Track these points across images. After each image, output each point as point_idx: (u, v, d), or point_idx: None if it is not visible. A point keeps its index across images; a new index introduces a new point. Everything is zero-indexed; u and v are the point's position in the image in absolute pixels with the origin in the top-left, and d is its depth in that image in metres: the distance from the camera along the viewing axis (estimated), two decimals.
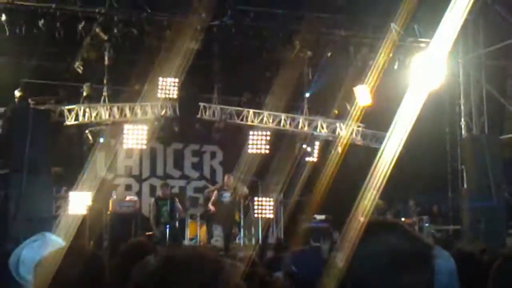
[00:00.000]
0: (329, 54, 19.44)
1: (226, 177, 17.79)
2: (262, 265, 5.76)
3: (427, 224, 17.37)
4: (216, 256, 1.99)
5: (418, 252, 2.14)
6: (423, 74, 18.24)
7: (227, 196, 16.81)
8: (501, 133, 16.81)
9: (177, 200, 17.12)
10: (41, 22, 16.83)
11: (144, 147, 19.21)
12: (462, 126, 18.12)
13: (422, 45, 19.55)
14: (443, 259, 3.37)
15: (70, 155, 19.13)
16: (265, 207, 18.94)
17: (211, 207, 16.74)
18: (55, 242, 3.61)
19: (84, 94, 18.57)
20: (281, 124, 19.37)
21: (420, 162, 19.09)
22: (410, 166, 19.15)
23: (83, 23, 17.28)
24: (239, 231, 17.32)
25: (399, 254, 2.12)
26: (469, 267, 5.07)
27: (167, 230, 16.37)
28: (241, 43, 18.87)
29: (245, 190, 17.31)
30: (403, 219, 16.71)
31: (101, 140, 18.42)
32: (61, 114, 17.74)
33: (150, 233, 16.58)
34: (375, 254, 2.14)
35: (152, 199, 17.61)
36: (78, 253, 3.16)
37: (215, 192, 17.17)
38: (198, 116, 19.14)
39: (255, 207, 18.37)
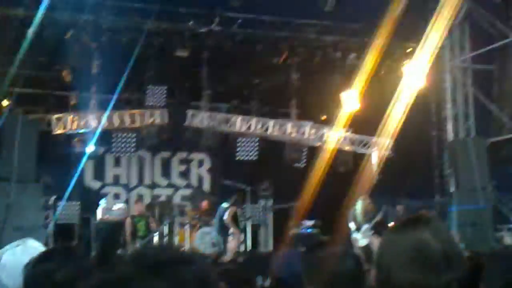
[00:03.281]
0: (317, 60, 19.51)
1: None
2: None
3: None
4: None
5: (447, 252, 2.10)
6: (410, 79, 18.36)
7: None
8: (488, 137, 16.87)
9: (150, 217, 17.02)
10: (29, 31, 16.80)
11: (132, 155, 19.22)
12: (449, 130, 18.20)
13: (409, 50, 19.65)
14: None
15: (58, 164, 19.09)
16: (253, 214, 18.98)
17: None
18: (37, 248, 3.62)
19: (72, 102, 18.55)
20: (269, 130, 19.39)
21: (408, 166, 19.16)
22: (398, 171, 19.24)
23: (71, 31, 17.28)
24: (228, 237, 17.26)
25: (428, 251, 2.08)
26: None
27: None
28: (230, 50, 18.91)
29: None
30: (391, 224, 16.72)
31: (89, 148, 18.36)
32: (50, 123, 17.70)
33: None
34: (402, 249, 2.11)
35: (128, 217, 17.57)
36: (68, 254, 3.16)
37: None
38: (186, 123, 19.13)
39: (244, 214, 18.39)
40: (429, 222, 2.18)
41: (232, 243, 15.79)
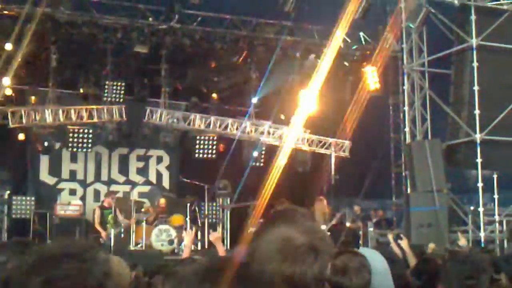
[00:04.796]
0: (276, 59, 19.56)
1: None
2: None
3: (371, 229, 17.57)
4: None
5: (312, 244, 2.15)
6: (368, 81, 18.56)
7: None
8: (444, 140, 17.10)
9: (118, 210, 17.07)
10: None
11: (89, 151, 19.03)
12: (406, 132, 18.41)
13: (367, 52, 19.84)
14: (377, 260, 3.44)
15: (14, 158, 18.84)
16: (211, 212, 18.96)
17: None
18: None
19: (29, 96, 18.30)
20: (228, 129, 19.38)
21: (365, 168, 19.35)
22: (355, 172, 19.42)
23: (28, 25, 17.03)
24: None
25: (291, 244, 2.14)
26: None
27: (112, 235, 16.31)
28: (189, 48, 18.86)
29: None
30: (348, 224, 16.88)
31: (46, 143, 18.13)
32: (5, 116, 17.40)
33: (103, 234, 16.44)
34: (270, 245, 2.16)
35: (96, 207, 17.48)
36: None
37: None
38: (145, 120, 19.01)
39: (202, 212, 18.37)
40: (294, 217, 2.25)
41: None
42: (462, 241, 8.68)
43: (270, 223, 2.27)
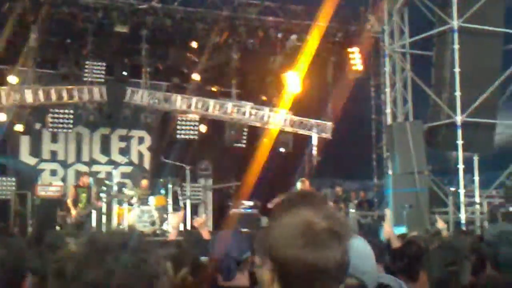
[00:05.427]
0: (258, 40, 19.52)
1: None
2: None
3: (352, 210, 17.66)
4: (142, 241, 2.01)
5: (333, 230, 2.10)
6: (350, 62, 18.56)
7: None
8: (425, 121, 17.17)
9: (92, 191, 17.10)
10: None
11: (70, 131, 18.93)
12: (387, 114, 18.46)
13: (349, 33, 19.83)
14: (358, 243, 3.45)
15: None
16: (193, 193, 18.95)
17: None
18: None
19: (8, 76, 18.12)
20: (210, 110, 19.32)
21: (347, 149, 19.41)
22: (337, 153, 19.48)
23: (8, 3, 16.85)
24: (166, 216, 17.22)
25: (314, 228, 2.09)
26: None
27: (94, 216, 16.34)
28: (170, 28, 18.75)
29: None
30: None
31: (25, 124, 18.00)
32: None
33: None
34: (288, 228, 2.11)
35: (71, 186, 17.52)
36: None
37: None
38: (126, 100, 18.91)
39: (184, 193, 18.35)
40: (313, 201, 2.20)
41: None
42: (441, 224, 8.71)
43: (288, 207, 2.21)
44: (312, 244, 2.08)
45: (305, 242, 2.08)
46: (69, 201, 16.80)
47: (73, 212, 16.42)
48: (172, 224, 8.56)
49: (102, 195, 17.26)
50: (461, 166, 16.17)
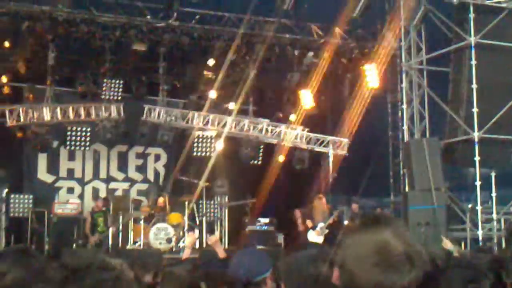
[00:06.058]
0: (274, 57, 19.56)
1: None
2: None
3: None
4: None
5: (409, 252, 2.10)
6: (367, 79, 18.54)
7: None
8: (442, 138, 17.10)
9: (108, 213, 17.19)
10: None
11: (87, 149, 19.01)
12: (404, 130, 18.40)
13: (366, 50, 19.82)
14: None
15: (11, 156, 18.80)
16: (209, 210, 18.94)
17: None
18: None
19: (27, 94, 18.27)
20: (226, 127, 19.33)
21: (363, 166, 19.33)
22: (353, 170, 19.40)
23: (26, 22, 17.01)
24: (183, 234, 17.22)
25: (390, 251, 2.09)
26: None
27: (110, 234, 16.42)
28: (187, 45, 18.84)
29: None
30: (346, 222, 16.87)
31: (43, 142, 18.09)
32: (3, 114, 17.36)
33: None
34: (364, 251, 2.11)
35: (87, 212, 17.69)
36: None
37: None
38: (143, 118, 18.99)
39: (199, 210, 18.35)
40: (389, 223, 2.19)
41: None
42: (448, 245, 8.45)
43: (364, 226, 2.21)
44: (384, 264, 2.07)
45: (377, 261, 2.08)
46: (87, 228, 16.96)
47: (92, 240, 16.59)
48: (186, 244, 8.59)
49: (119, 215, 17.30)
50: (478, 183, 16.08)
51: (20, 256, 3.19)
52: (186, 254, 7.70)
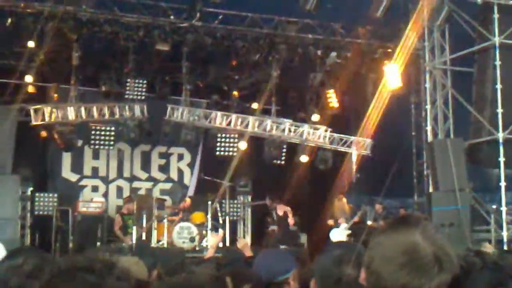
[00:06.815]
0: (297, 57, 19.54)
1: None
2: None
3: None
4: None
5: (438, 254, 2.07)
6: (390, 79, 18.45)
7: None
8: (466, 138, 16.98)
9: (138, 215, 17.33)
10: (8, 21, 16.68)
11: (111, 148, 19.14)
12: (428, 131, 18.30)
13: (389, 50, 19.74)
14: None
15: (36, 155, 18.98)
16: (232, 210, 18.98)
17: None
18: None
19: (51, 94, 18.42)
20: (249, 127, 19.36)
21: (386, 166, 19.24)
22: (376, 170, 19.33)
23: (51, 22, 17.15)
24: (206, 233, 17.28)
25: (419, 254, 2.06)
26: None
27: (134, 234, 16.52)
28: (210, 46, 18.89)
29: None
30: (369, 222, 16.84)
31: (68, 141, 18.23)
32: (28, 114, 17.53)
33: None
34: (392, 252, 2.09)
35: (117, 215, 17.73)
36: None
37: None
38: (166, 117, 19.08)
39: (223, 209, 18.40)
40: (419, 223, 2.16)
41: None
42: (488, 247, 8.41)
43: (393, 226, 2.19)
44: (411, 266, 2.05)
45: (405, 261, 2.05)
46: (117, 229, 17.09)
47: (125, 239, 16.69)
48: (211, 244, 8.61)
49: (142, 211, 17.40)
50: (503, 184, 15.93)
51: (36, 252, 3.34)
52: (209, 253, 7.74)
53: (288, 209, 17.53)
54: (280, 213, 17.59)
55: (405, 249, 2.08)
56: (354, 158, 19.27)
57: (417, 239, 2.09)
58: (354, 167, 19.02)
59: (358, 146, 19.63)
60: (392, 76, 18.44)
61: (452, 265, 2.12)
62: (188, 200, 18.20)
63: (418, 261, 2.06)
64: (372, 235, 2.24)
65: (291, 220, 17.40)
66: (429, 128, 18.24)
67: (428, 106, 18.27)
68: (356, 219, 16.48)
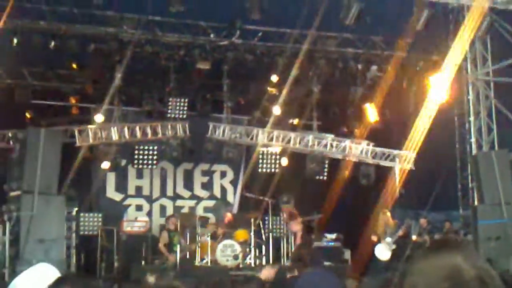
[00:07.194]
0: (338, 72, 19.49)
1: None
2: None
3: None
4: None
5: (482, 277, 1.99)
6: (433, 91, 18.28)
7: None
8: (511, 150, 16.72)
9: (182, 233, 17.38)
10: (51, 44, 16.97)
11: (155, 167, 19.28)
12: (472, 143, 18.09)
13: (430, 62, 19.57)
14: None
15: (81, 176, 19.21)
16: (275, 226, 18.94)
17: None
18: (53, 274, 3.71)
19: (95, 115, 18.67)
20: (291, 143, 19.35)
21: (431, 180, 19.04)
22: (420, 184, 19.12)
23: (93, 44, 17.43)
24: (249, 250, 17.29)
25: (462, 278, 1.98)
26: None
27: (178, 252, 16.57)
28: (250, 62, 18.95)
29: None
30: (414, 237, 16.65)
31: (112, 161, 18.44)
32: (72, 135, 17.79)
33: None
34: (435, 277, 2.01)
35: (164, 230, 17.75)
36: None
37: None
38: (208, 135, 19.17)
39: (265, 226, 18.37)
40: (459, 246, 2.10)
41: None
42: None
43: (433, 250, 2.13)
44: None
45: (449, 286, 1.98)
46: (162, 245, 17.12)
47: (170, 257, 16.71)
48: (263, 278, 8.58)
49: (186, 229, 17.46)
50: None
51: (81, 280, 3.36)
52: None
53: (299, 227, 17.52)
54: (295, 229, 17.59)
55: (448, 274, 2.01)
56: (398, 172, 19.10)
57: (459, 262, 2.02)
58: (398, 181, 18.85)
59: (401, 160, 19.44)
60: (437, 88, 18.25)
61: (497, 286, 2.07)
62: (229, 215, 18.22)
63: (462, 285, 1.99)
64: (413, 257, 2.20)
65: (298, 239, 17.44)
66: (473, 140, 18.04)
67: (472, 118, 18.07)
68: (400, 233, 16.29)
